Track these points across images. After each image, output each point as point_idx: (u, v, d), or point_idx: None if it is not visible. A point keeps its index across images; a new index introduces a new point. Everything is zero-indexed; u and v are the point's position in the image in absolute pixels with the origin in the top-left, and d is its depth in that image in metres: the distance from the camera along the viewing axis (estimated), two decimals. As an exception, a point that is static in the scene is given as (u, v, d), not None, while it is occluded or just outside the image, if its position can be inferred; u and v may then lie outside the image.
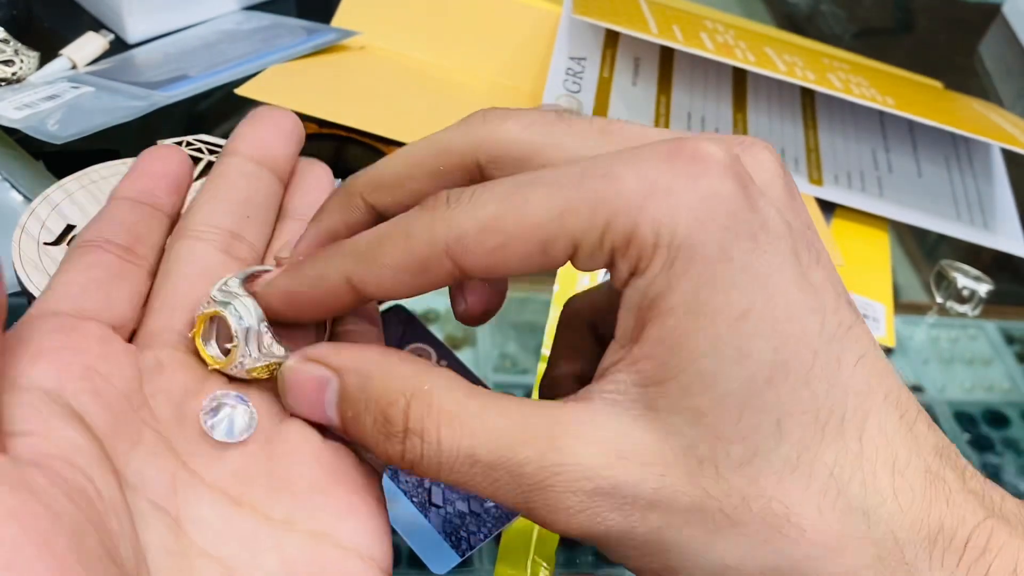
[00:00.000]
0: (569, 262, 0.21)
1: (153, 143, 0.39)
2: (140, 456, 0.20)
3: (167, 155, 0.27)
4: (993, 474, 0.43)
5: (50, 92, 0.44)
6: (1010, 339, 0.50)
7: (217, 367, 0.23)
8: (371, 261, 0.22)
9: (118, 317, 0.23)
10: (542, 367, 0.40)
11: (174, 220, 0.26)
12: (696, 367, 0.19)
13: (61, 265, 0.23)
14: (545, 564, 0.34)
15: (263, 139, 0.28)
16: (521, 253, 0.20)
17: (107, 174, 0.38)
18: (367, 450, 0.23)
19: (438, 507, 0.34)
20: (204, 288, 0.24)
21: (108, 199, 0.26)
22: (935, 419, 0.45)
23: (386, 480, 0.36)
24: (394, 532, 0.30)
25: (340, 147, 0.44)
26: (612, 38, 0.54)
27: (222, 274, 0.25)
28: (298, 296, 0.23)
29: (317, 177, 0.29)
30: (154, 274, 0.25)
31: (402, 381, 0.21)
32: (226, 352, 0.23)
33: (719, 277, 0.19)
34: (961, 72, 0.69)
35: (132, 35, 0.51)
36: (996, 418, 0.45)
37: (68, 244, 0.35)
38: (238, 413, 0.22)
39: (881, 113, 0.55)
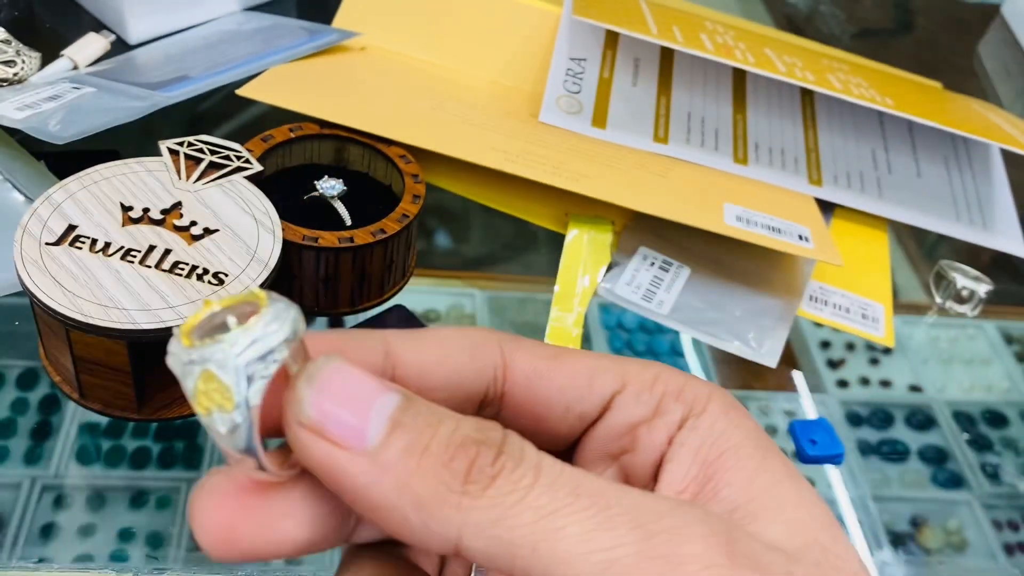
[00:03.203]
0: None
1: (154, 144, 0.39)
2: None
3: None
4: (992, 474, 0.43)
5: (51, 93, 0.44)
6: (1009, 339, 0.50)
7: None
8: None
9: None
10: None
11: None
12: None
13: None
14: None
15: None
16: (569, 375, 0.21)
17: (109, 175, 0.38)
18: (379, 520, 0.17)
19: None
20: None
21: None
22: (934, 420, 0.45)
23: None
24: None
25: (341, 147, 0.45)
26: (612, 39, 0.54)
27: None
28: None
29: None
30: None
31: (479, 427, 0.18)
32: None
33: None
34: (960, 72, 0.69)
35: (133, 36, 0.51)
36: (995, 418, 0.46)
37: (69, 245, 0.35)
38: None
39: (880, 113, 0.55)
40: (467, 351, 0.21)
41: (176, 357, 0.17)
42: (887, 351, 0.46)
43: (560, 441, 0.22)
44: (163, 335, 0.33)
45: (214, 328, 0.17)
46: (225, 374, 0.16)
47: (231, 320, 0.17)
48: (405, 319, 0.41)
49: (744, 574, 0.16)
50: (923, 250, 0.53)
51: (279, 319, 0.17)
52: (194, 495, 0.18)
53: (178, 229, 0.36)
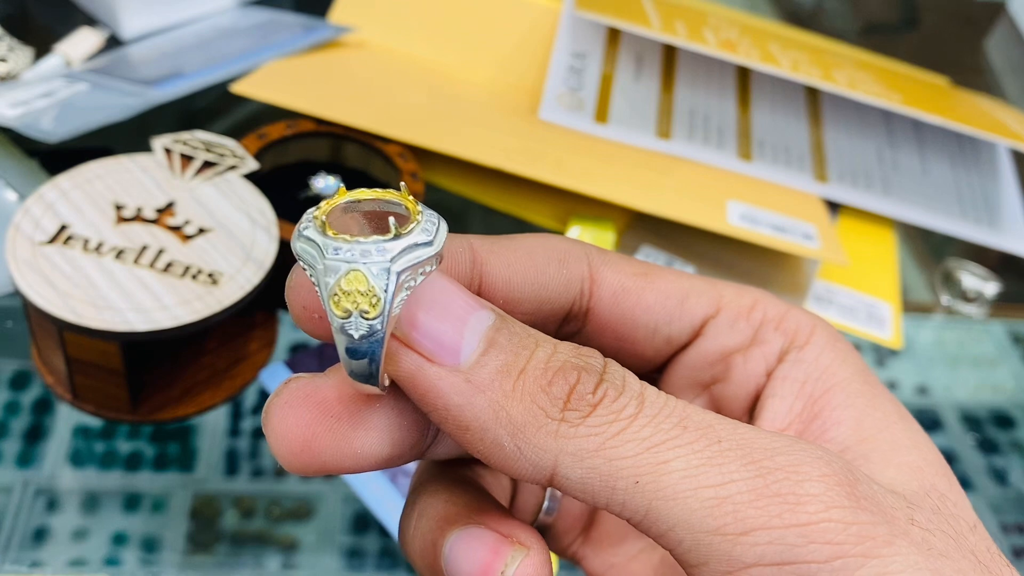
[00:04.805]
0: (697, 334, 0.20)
1: (147, 141, 0.38)
2: None
3: None
4: (999, 476, 0.42)
5: (44, 89, 0.43)
6: (1017, 339, 0.49)
7: None
8: None
9: None
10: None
11: None
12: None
13: None
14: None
15: None
16: (660, 294, 0.20)
17: (102, 172, 0.37)
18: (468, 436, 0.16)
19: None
20: None
21: None
22: (940, 421, 0.44)
23: (386, 481, 0.35)
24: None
25: (338, 145, 0.44)
26: (614, 34, 0.53)
27: None
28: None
29: None
30: None
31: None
32: None
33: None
34: (967, 69, 0.69)
35: (127, 31, 0.50)
36: (1002, 419, 0.45)
37: (62, 244, 0.34)
38: None
39: (886, 110, 0.55)
40: (555, 263, 0.19)
41: (313, 246, 0.15)
42: (894, 352, 0.45)
43: (646, 364, 0.21)
44: (157, 336, 0.32)
45: (348, 220, 0.16)
46: (378, 279, 0.15)
47: (392, 221, 0.15)
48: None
49: (867, 517, 0.15)
50: (929, 249, 0.52)
51: (434, 230, 0.16)
52: (272, 404, 0.17)
53: (172, 228, 0.36)
